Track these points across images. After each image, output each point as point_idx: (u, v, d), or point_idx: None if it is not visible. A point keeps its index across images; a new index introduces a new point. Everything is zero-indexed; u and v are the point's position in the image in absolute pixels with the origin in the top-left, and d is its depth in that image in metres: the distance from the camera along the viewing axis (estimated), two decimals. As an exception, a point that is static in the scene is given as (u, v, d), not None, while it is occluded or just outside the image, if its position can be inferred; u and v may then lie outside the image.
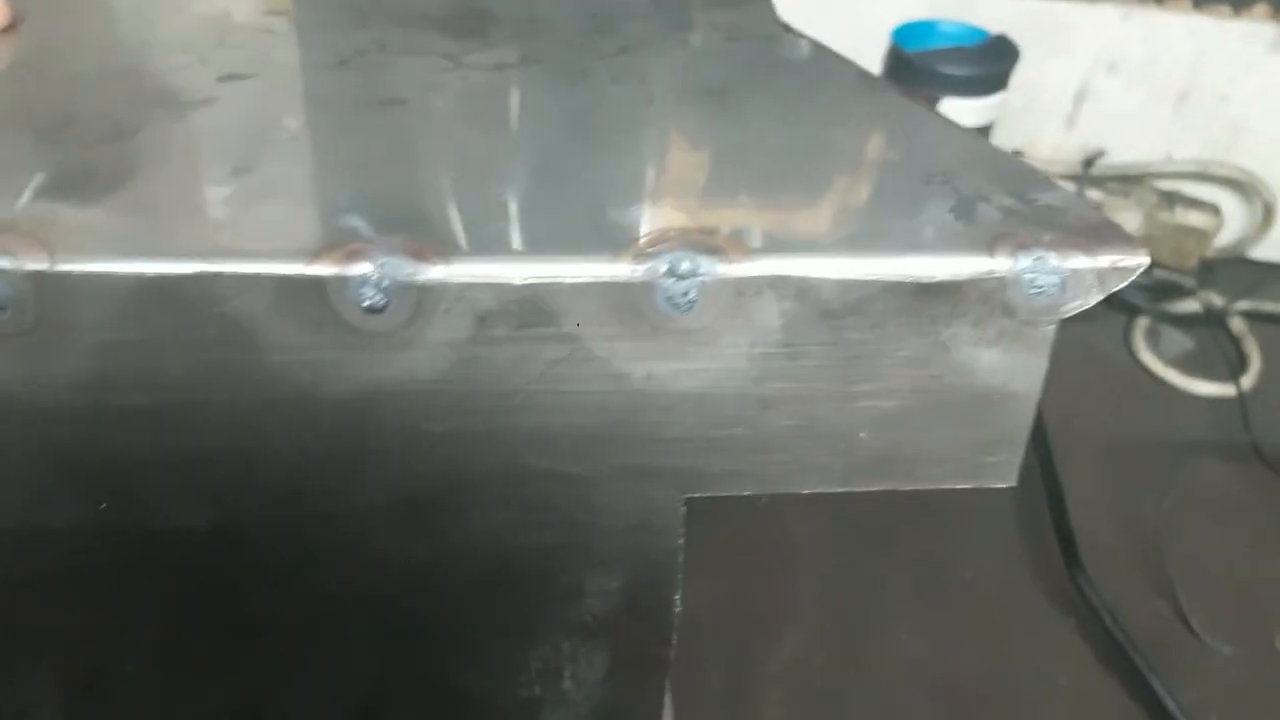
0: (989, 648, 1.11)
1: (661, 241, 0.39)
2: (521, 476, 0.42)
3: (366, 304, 0.37)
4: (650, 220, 0.40)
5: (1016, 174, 0.44)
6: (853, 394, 0.41)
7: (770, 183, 0.44)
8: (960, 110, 1.25)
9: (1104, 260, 0.39)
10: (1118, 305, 1.52)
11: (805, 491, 0.43)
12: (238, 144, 0.44)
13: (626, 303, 0.38)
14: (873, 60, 1.32)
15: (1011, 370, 0.41)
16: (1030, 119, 1.53)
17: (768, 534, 1.21)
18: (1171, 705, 1.05)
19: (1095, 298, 0.40)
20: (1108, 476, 1.31)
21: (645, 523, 0.43)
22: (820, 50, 0.57)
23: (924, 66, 1.22)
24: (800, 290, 0.39)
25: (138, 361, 0.38)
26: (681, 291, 0.38)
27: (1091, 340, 1.49)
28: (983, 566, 1.19)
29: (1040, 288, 0.39)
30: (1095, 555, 1.17)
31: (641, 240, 0.39)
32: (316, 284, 0.37)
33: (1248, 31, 1.41)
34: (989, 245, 0.39)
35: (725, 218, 0.40)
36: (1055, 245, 0.39)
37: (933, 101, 1.22)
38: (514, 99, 0.51)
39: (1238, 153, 1.53)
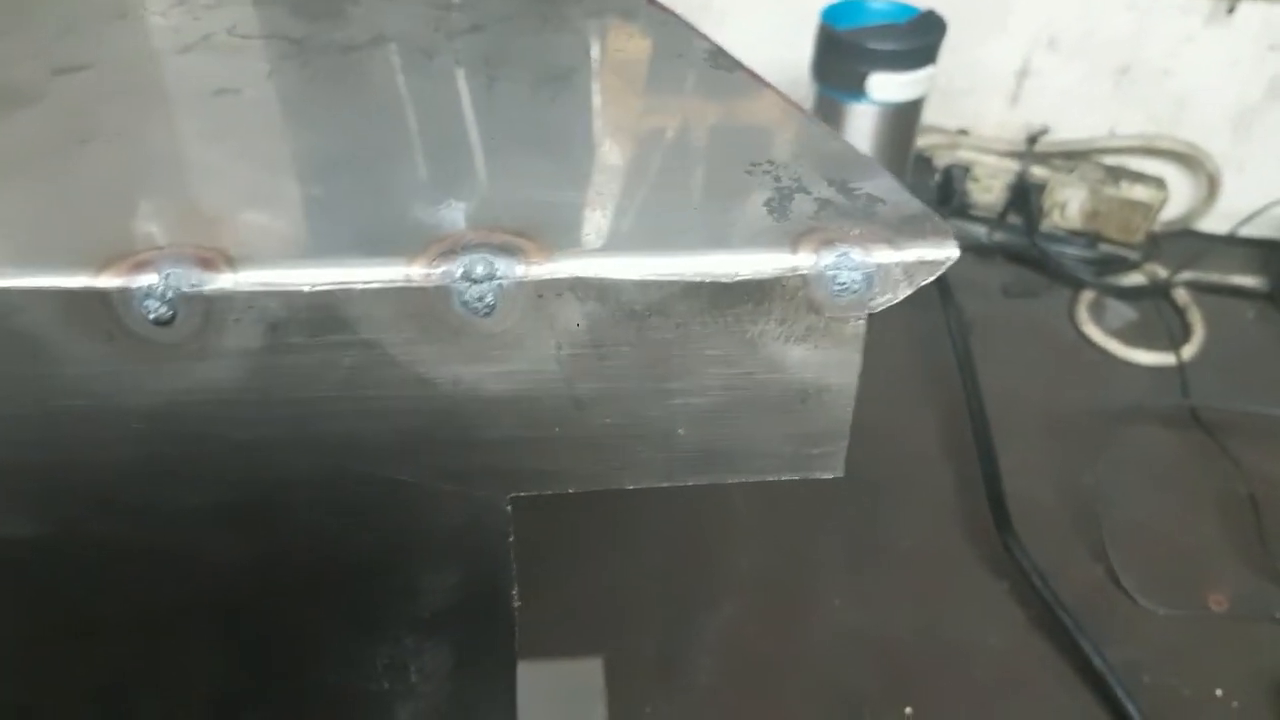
0: (923, 613, 1.09)
1: (459, 244, 0.36)
2: (338, 481, 0.40)
3: (152, 316, 0.35)
4: (456, 219, 0.38)
5: (843, 161, 0.42)
6: (666, 392, 0.39)
7: (586, 176, 0.41)
8: (890, 84, 1.21)
9: (910, 254, 0.37)
10: (1063, 279, 1.48)
11: (630, 487, 0.41)
12: (53, 147, 0.42)
13: (424, 308, 0.36)
14: (806, 38, 1.28)
15: (823, 365, 0.39)
16: (973, 98, 1.49)
17: (706, 505, 1.19)
18: (1099, 663, 1.03)
19: (904, 291, 0.38)
20: (1047, 445, 1.28)
21: (472, 522, 0.42)
22: (677, 26, 0.54)
23: (853, 43, 1.18)
24: (600, 292, 0.36)
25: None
26: (478, 296, 0.36)
27: (1035, 314, 1.45)
28: (919, 534, 1.17)
29: (844, 284, 0.37)
30: (1033, 521, 1.15)
31: (439, 243, 0.36)
32: (101, 297, 0.35)
33: (1186, 4, 1.37)
34: (793, 242, 0.37)
35: (529, 216, 0.38)
36: (862, 240, 0.37)
37: (862, 78, 1.19)
38: (349, 87, 0.48)
39: (1181, 126, 1.49)
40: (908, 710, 1.01)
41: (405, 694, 0.47)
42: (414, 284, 0.36)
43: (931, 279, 0.38)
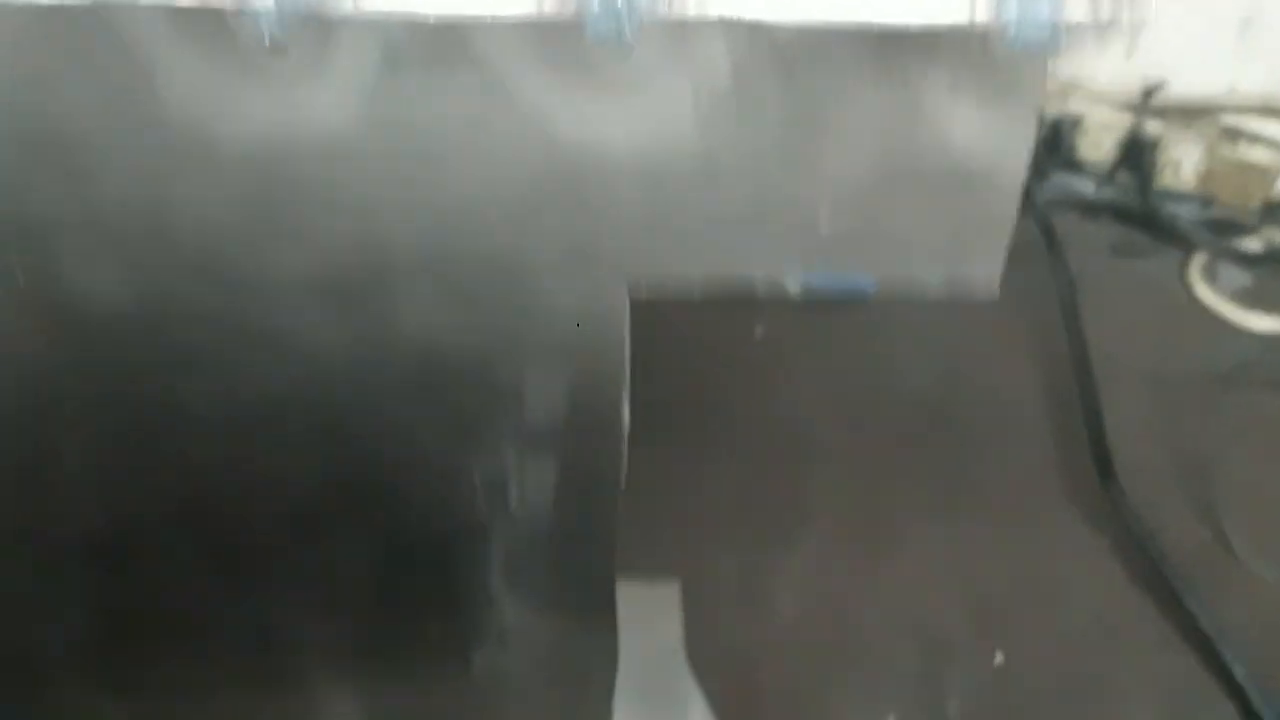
0: (1017, 561, 1.02)
1: (597, -24, 0.32)
2: (448, 257, 0.36)
3: (268, 36, 0.32)
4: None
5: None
6: (810, 158, 0.34)
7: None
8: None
9: (1106, 8, 0.32)
10: (1175, 240, 1.39)
11: (760, 275, 0.36)
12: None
13: (555, 42, 0.32)
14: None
15: (993, 138, 0.34)
16: (1087, 49, 1.41)
17: (787, 439, 1.13)
18: (1206, 623, 0.96)
19: (1089, 50, 0.33)
20: (1154, 406, 1.20)
21: (586, 311, 0.37)
22: None
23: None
24: (751, 32, 0.32)
25: (39, 102, 0.33)
26: (615, 29, 0.32)
27: (1145, 274, 1.37)
28: (1014, 483, 1.10)
29: (1028, 37, 0.32)
30: (1138, 480, 1.07)
31: (574, -27, 0.32)
32: (216, 14, 0.32)
33: (1323, -50, 1.27)
34: (971, -13, 0.32)
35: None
36: (1048, -12, 0.32)
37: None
38: None
39: (1308, 85, 1.39)
40: (999, 657, 0.94)
41: (504, 523, 0.43)
42: (546, 15, 0.32)
43: (1125, 40, 0.33)
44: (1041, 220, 1.24)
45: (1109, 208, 1.40)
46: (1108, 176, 1.41)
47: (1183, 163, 1.38)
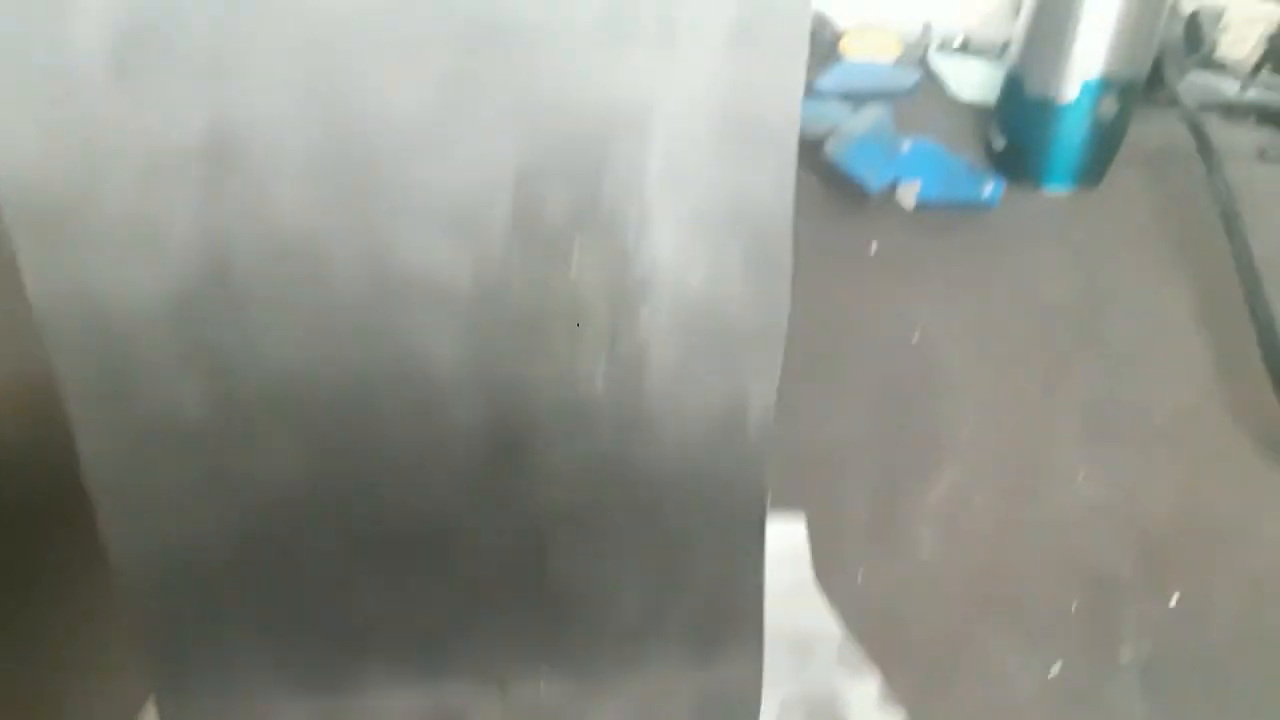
0: (1185, 492, 0.89)
1: None
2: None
3: None
4: None
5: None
6: None
7: None
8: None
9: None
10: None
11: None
12: None
13: None
14: None
15: None
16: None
17: (921, 366, 1.01)
18: None
19: None
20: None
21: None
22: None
23: None
24: None
25: None
26: None
27: (1298, 180, 1.20)
28: (1176, 407, 0.96)
29: None
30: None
31: None
32: None
33: None
34: None
35: None
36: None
37: None
38: None
39: None
40: (1174, 598, 0.82)
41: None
42: None
43: None
44: (1191, 122, 1.09)
45: (1254, 110, 1.24)
46: (1251, 75, 1.25)
47: (1339, 56, 1.21)
